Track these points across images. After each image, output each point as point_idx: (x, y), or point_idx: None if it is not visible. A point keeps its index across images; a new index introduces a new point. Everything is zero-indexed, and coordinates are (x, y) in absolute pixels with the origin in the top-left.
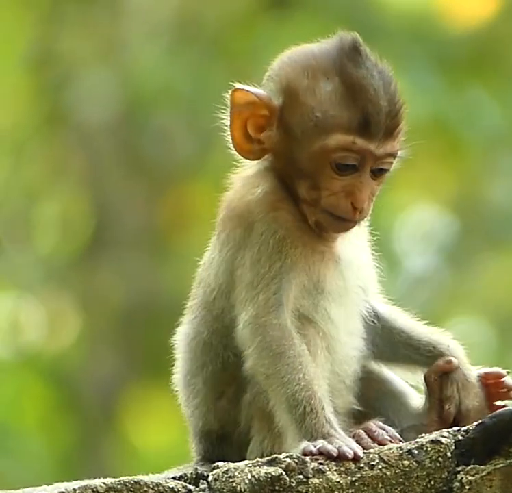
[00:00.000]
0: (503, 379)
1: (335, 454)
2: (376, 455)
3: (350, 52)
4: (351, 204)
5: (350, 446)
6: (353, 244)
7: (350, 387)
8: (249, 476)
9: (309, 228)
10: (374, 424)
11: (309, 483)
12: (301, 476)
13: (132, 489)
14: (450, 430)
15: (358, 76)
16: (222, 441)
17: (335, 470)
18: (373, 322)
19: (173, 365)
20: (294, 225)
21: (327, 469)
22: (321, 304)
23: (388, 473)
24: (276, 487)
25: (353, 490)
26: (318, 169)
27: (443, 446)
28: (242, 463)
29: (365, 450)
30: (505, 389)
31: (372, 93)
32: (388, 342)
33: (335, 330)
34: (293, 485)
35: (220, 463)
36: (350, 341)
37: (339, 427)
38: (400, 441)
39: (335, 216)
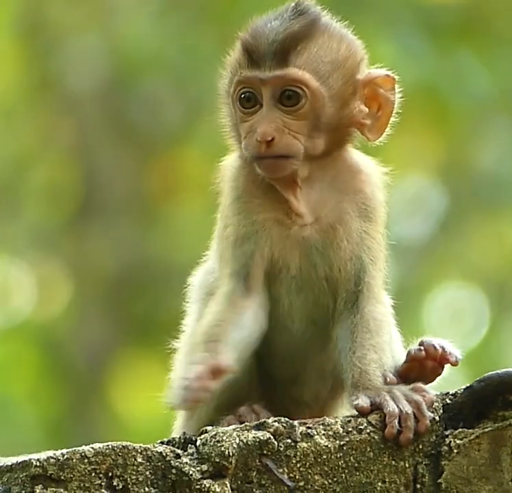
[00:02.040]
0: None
1: None
2: (364, 419)
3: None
4: (255, 139)
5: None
6: (356, 233)
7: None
8: (237, 441)
9: (276, 198)
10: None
11: (297, 447)
12: (289, 440)
13: (120, 454)
14: (438, 393)
15: (253, 23)
16: None
17: (323, 434)
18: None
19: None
20: (253, 194)
21: (315, 433)
22: (283, 286)
23: (376, 437)
24: (265, 451)
25: (341, 454)
26: (234, 117)
27: (431, 408)
28: (230, 428)
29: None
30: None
31: (255, 28)
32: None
33: (293, 318)
34: (282, 449)
35: (208, 428)
36: (312, 334)
37: None
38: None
39: (252, 158)
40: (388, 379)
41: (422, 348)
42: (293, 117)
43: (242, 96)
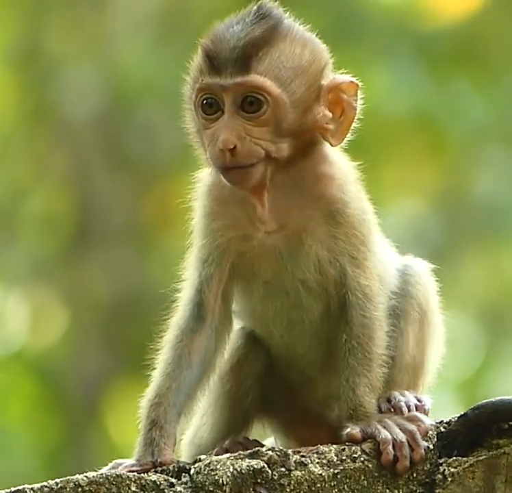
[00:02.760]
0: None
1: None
2: (358, 448)
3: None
4: (218, 147)
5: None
6: (326, 238)
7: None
8: (231, 469)
9: (241, 212)
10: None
11: (291, 475)
12: (283, 469)
13: (114, 483)
14: (432, 422)
15: (214, 29)
16: None
17: (317, 463)
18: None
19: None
20: (219, 213)
21: (309, 461)
22: (254, 294)
23: (370, 465)
24: (259, 480)
25: (335, 482)
26: (198, 124)
27: (425, 438)
28: (224, 456)
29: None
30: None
31: (216, 33)
32: None
33: (269, 324)
34: (276, 477)
35: (202, 456)
36: (293, 337)
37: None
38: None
39: (218, 169)
40: (382, 408)
41: (391, 406)
42: (255, 123)
43: (204, 102)
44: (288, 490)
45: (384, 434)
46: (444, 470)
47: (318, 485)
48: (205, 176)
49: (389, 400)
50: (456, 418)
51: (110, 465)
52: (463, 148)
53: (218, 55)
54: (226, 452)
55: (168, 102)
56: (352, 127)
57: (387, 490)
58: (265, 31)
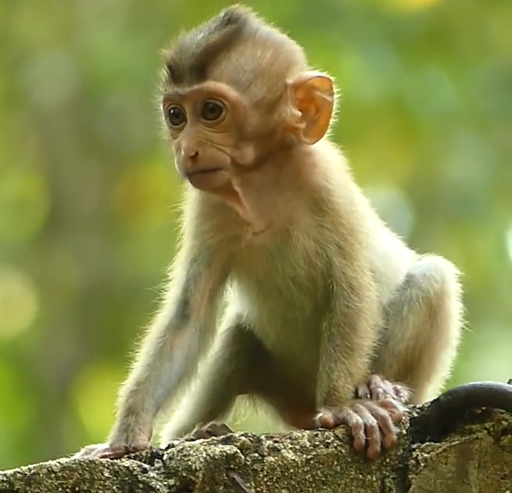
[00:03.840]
0: None
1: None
2: (331, 433)
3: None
4: (182, 156)
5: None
6: (312, 229)
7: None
8: (204, 455)
9: (229, 213)
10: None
11: (264, 461)
12: (256, 455)
13: (87, 469)
14: (406, 408)
15: (180, 37)
16: None
17: (290, 448)
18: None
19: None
20: (208, 215)
21: (282, 447)
22: (248, 295)
23: (343, 451)
24: (232, 466)
25: (308, 468)
26: (167, 134)
27: (398, 424)
28: (197, 442)
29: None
30: None
31: (177, 44)
32: None
33: (265, 323)
34: (249, 463)
35: (175, 442)
36: (289, 335)
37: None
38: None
39: (183, 175)
40: (359, 392)
41: (369, 391)
42: (216, 129)
43: (171, 112)
44: (261, 476)
45: (355, 419)
46: (417, 455)
47: (291, 470)
48: None
49: (368, 385)
50: (429, 404)
51: (82, 450)
52: (434, 133)
53: (177, 64)
54: (208, 434)
55: (140, 89)
56: (330, 123)
57: (360, 475)
58: (225, 35)
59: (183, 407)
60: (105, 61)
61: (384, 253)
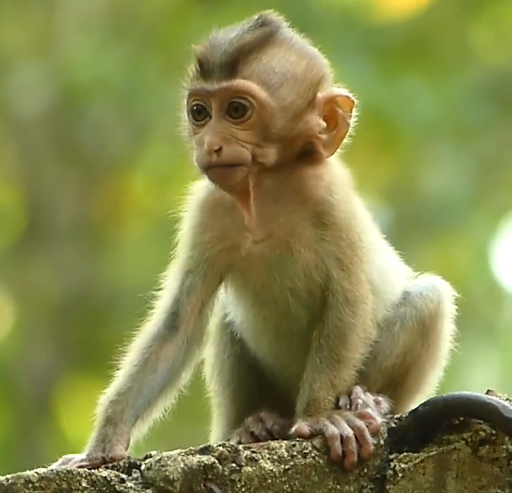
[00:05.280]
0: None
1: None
2: (309, 443)
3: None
4: (204, 149)
5: None
6: (313, 241)
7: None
8: (182, 465)
9: (230, 222)
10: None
11: (242, 471)
12: (234, 465)
13: (65, 479)
14: (383, 419)
15: (212, 34)
16: None
17: (268, 458)
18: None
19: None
20: (209, 225)
21: (260, 457)
22: (243, 304)
23: (321, 461)
24: (209, 476)
25: (286, 478)
26: (189, 129)
27: (376, 435)
28: (175, 452)
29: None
30: None
31: (210, 39)
32: None
33: (258, 333)
34: (226, 473)
35: (153, 452)
36: (281, 346)
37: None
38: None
39: (202, 169)
40: (340, 403)
41: (348, 402)
42: (241, 127)
43: (194, 108)
44: (239, 486)
45: (331, 430)
46: (395, 465)
47: (269, 480)
48: (198, 189)
49: (349, 395)
50: (406, 414)
51: (60, 460)
52: (414, 143)
53: (207, 60)
54: (247, 429)
55: (118, 99)
56: (343, 142)
57: (338, 486)
58: (258, 37)
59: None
60: (83, 72)
61: (382, 268)
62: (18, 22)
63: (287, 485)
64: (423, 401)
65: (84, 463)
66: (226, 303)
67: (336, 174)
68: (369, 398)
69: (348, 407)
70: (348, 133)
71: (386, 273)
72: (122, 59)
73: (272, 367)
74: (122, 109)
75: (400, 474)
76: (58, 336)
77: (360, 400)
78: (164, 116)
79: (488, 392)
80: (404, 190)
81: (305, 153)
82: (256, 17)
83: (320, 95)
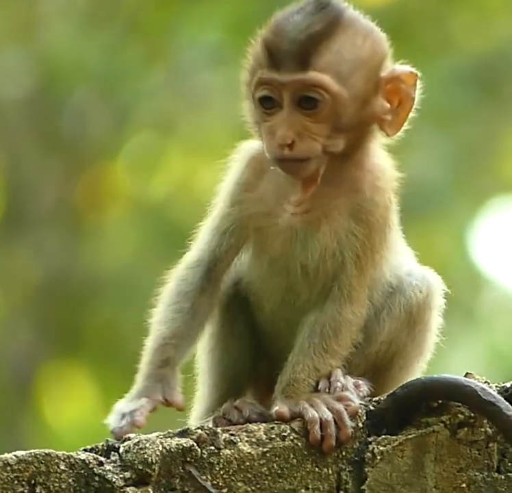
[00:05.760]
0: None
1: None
2: (287, 426)
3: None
4: (276, 142)
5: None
6: (342, 231)
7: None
8: (160, 448)
9: (272, 188)
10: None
11: (221, 454)
12: (212, 448)
13: (43, 462)
14: (362, 402)
15: (275, 18)
16: None
17: (247, 441)
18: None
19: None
20: (253, 185)
21: (238, 440)
22: (257, 269)
23: (299, 444)
24: (188, 459)
25: (265, 461)
26: (255, 115)
27: (354, 418)
28: (153, 435)
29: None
30: None
31: (276, 26)
32: None
33: (263, 299)
34: (205, 456)
35: (131, 435)
36: (282, 316)
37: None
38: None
39: (274, 160)
40: (320, 386)
41: (328, 385)
42: (314, 119)
43: (262, 96)
44: (217, 469)
45: (311, 413)
46: (373, 448)
47: (247, 463)
48: (249, 146)
49: (329, 378)
50: (385, 397)
51: (119, 409)
52: None
53: (277, 48)
54: (225, 416)
55: (100, 85)
56: (409, 117)
57: (316, 468)
58: (327, 23)
59: (203, 388)
60: (65, 58)
61: (395, 266)
62: (0, 7)
63: (265, 468)
64: (402, 384)
65: (149, 405)
66: (238, 269)
67: (389, 179)
68: (349, 381)
69: (327, 390)
70: (413, 109)
71: (398, 271)
72: (104, 45)
73: (270, 334)
74: (104, 95)
75: (379, 457)
76: (39, 321)
77: (339, 384)
78: (146, 103)
79: (466, 374)
80: None
81: (372, 136)
82: None
83: (383, 75)
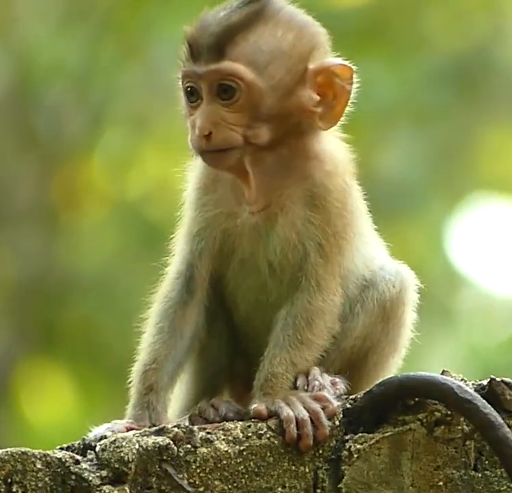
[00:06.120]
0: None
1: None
2: (264, 424)
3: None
4: (196, 133)
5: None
6: (299, 221)
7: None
8: (137, 446)
9: (230, 189)
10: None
11: (197, 452)
12: (189, 446)
13: (19, 460)
14: (340, 403)
15: (203, 14)
16: None
17: (223, 440)
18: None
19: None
20: (210, 188)
21: (215, 438)
22: (229, 270)
23: (276, 442)
24: (164, 457)
25: (241, 459)
26: (185, 110)
27: (331, 418)
28: (130, 433)
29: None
30: None
31: (199, 21)
32: None
33: (238, 300)
34: (181, 454)
35: (108, 433)
36: (257, 315)
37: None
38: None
39: (196, 153)
40: (297, 383)
41: (306, 383)
42: (231, 109)
43: (188, 89)
44: (194, 467)
45: (287, 412)
46: (350, 446)
47: (224, 462)
48: None
49: (307, 376)
50: (361, 394)
51: (105, 425)
52: (371, 126)
53: (196, 42)
54: (201, 414)
55: (76, 83)
56: (345, 111)
57: (293, 467)
58: (246, 15)
59: (181, 386)
60: (40, 55)
61: (367, 257)
62: None
63: (242, 466)
64: (378, 382)
65: (134, 426)
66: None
67: (338, 161)
68: (326, 379)
69: (305, 387)
70: (349, 103)
71: (370, 263)
72: (80, 42)
73: (246, 333)
74: (79, 93)
75: (356, 455)
76: (16, 320)
77: (316, 382)
78: (122, 100)
79: (443, 372)
80: (361, 172)
81: (306, 127)
82: None
83: (311, 67)
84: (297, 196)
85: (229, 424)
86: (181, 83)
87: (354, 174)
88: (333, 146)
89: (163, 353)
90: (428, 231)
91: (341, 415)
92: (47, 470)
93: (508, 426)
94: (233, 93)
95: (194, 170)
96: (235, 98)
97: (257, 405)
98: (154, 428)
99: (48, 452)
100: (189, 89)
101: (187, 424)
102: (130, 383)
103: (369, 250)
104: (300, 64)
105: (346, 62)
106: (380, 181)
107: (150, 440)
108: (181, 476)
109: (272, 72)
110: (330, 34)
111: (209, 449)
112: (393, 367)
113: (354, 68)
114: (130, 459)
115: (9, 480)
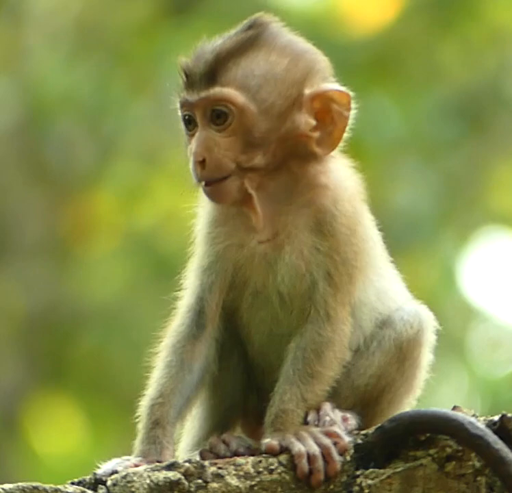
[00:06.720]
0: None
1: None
2: (275, 459)
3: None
4: (192, 160)
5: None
6: (306, 248)
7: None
8: (148, 481)
9: (240, 220)
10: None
11: (208, 487)
12: (200, 481)
13: None
14: (351, 439)
15: (200, 43)
16: None
17: (234, 475)
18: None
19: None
20: (220, 221)
21: (226, 473)
22: (243, 303)
23: (287, 477)
24: (175, 492)
25: None
26: (185, 140)
27: (343, 454)
28: (141, 468)
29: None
30: None
31: (195, 51)
32: None
33: (252, 333)
34: (192, 489)
35: (119, 468)
36: (272, 348)
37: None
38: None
39: (196, 184)
40: (308, 418)
41: (317, 418)
42: (224, 134)
43: (185, 118)
44: None
45: (298, 447)
46: (361, 481)
47: None
48: None
49: (318, 411)
50: (373, 430)
51: (114, 461)
52: (381, 159)
53: (190, 71)
54: (212, 450)
55: (86, 115)
56: (343, 137)
57: None
58: (240, 41)
59: (193, 421)
60: (50, 88)
61: (381, 290)
62: None
63: None
64: (390, 418)
65: (143, 463)
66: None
67: (345, 186)
68: (338, 414)
69: (316, 423)
70: (347, 128)
71: (384, 294)
72: (90, 75)
73: (261, 367)
74: (90, 125)
75: (367, 491)
76: (25, 352)
77: (328, 418)
78: (131, 133)
79: (454, 408)
80: (371, 206)
81: (305, 152)
82: (246, 21)
83: (307, 92)
84: (302, 222)
85: (240, 459)
86: (179, 112)
87: (364, 201)
88: (340, 173)
89: (170, 387)
90: (440, 265)
91: (353, 451)
92: None
93: None
94: (225, 118)
95: (203, 204)
96: (227, 123)
97: (269, 440)
98: (165, 463)
99: (59, 486)
100: (186, 117)
101: (198, 459)
102: (138, 416)
103: (383, 284)
104: (294, 89)
105: (343, 88)
106: (390, 214)
107: (161, 475)
108: None
109: (264, 96)
110: (341, 66)
111: (220, 484)
112: (407, 407)
113: (351, 94)
114: None
115: None
